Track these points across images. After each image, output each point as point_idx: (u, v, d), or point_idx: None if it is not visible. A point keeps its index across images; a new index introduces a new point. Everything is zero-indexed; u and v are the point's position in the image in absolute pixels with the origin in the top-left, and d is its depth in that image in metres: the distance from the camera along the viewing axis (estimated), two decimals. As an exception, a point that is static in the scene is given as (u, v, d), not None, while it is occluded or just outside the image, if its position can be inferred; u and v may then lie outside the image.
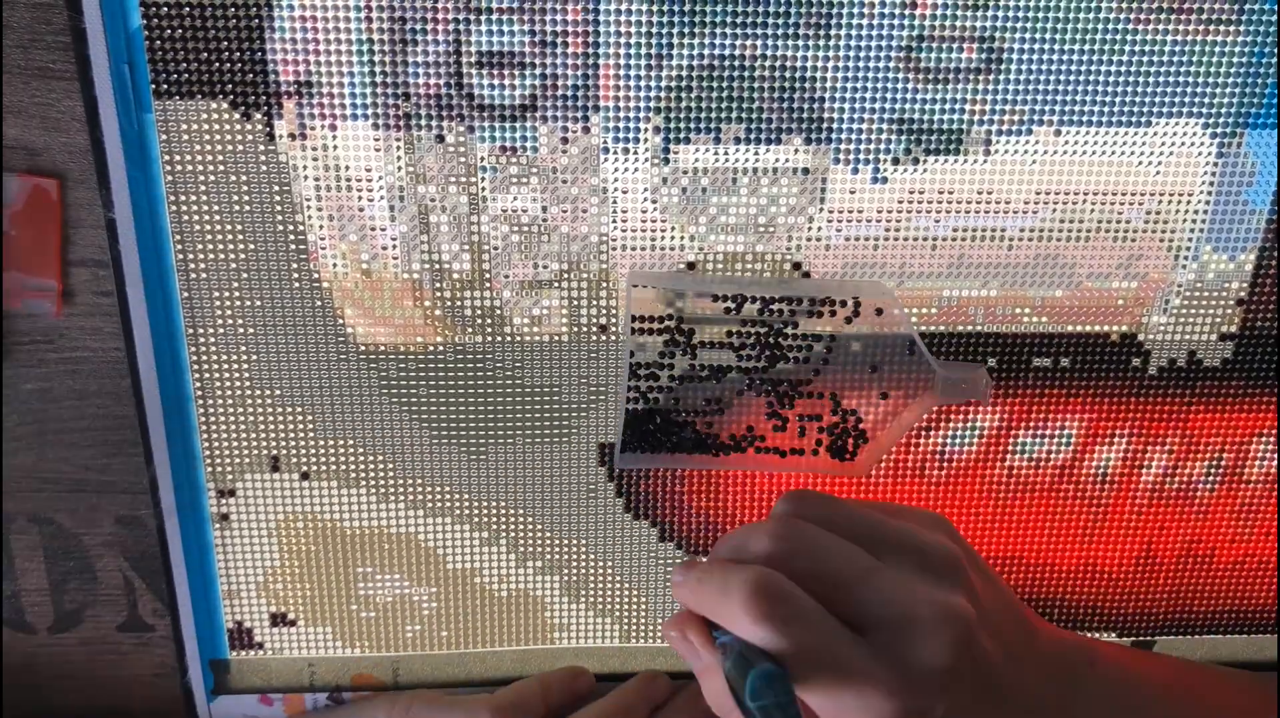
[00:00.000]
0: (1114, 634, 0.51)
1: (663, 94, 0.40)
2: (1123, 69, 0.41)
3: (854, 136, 0.41)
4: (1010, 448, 0.47)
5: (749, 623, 0.30)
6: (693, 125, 0.41)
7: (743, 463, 0.45)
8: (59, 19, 0.39)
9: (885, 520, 0.34)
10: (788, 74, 0.40)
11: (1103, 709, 0.37)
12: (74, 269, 0.42)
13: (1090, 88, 0.41)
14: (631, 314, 0.43)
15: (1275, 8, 0.40)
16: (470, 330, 0.44)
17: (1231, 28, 0.40)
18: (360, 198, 0.41)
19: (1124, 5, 0.40)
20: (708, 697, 0.34)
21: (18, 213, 0.41)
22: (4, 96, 0.40)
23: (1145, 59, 0.40)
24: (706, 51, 0.40)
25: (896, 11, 0.39)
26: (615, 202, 0.42)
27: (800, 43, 0.40)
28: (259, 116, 0.40)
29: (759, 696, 0.29)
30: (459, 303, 0.43)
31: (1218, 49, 0.40)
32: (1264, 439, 0.47)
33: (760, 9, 0.39)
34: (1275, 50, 0.40)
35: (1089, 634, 0.51)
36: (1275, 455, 0.47)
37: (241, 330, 0.43)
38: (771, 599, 0.31)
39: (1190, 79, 0.41)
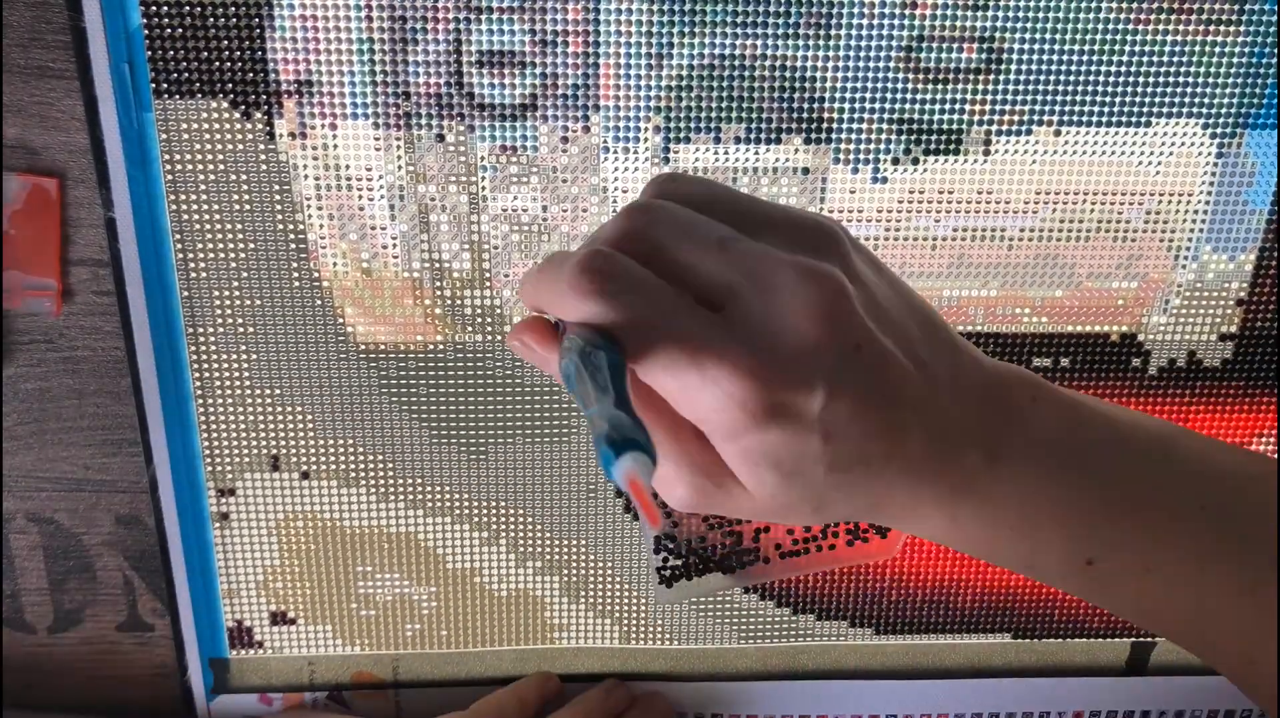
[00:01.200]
0: (1115, 637, 0.51)
1: (663, 94, 0.40)
2: (1122, 69, 0.41)
3: (854, 136, 0.41)
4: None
5: (576, 301, 0.26)
6: (693, 125, 0.41)
7: (788, 569, 0.43)
8: (59, 18, 0.39)
9: (755, 200, 0.29)
10: (788, 74, 0.40)
11: (1061, 442, 0.28)
12: (74, 269, 0.42)
13: (1090, 88, 0.41)
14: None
15: (1275, 8, 0.40)
16: (470, 329, 0.44)
17: (1231, 28, 0.40)
18: (360, 197, 0.41)
19: (1124, 5, 0.40)
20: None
21: (17, 212, 0.41)
22: (4, 96, 0.40)
23: (1145, 59, 0.40)
24: (707, 51, 0.40)
25: (896, 12, 0.39)
26: (615, 201, 0.42)
27: (800, 43, 0.40)
28: (259, 116, 0.40)
29: (579, 360, 0.25)
30: (459, 302, 0.43)
31: (1217, 49, 0.40)
32: (1264, 439, 0.47)
33: (760, 9, 0.39)
34: (1274, 51, 0.40)
35: (1090, 640, 0.51)
36: (1275, 455, 0.47)
37: (241, 329, 0.43)
38: (597, 272, 0.25)
39: (1190, 79, 0.41)
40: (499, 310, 0.43)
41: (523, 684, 0.48)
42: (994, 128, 0.41)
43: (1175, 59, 0.40)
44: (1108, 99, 0.41)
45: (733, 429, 0.25)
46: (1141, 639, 0.51)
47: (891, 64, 0.40)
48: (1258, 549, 0.28)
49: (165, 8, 0.38)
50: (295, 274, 0.42)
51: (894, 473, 0.27)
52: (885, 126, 0.41)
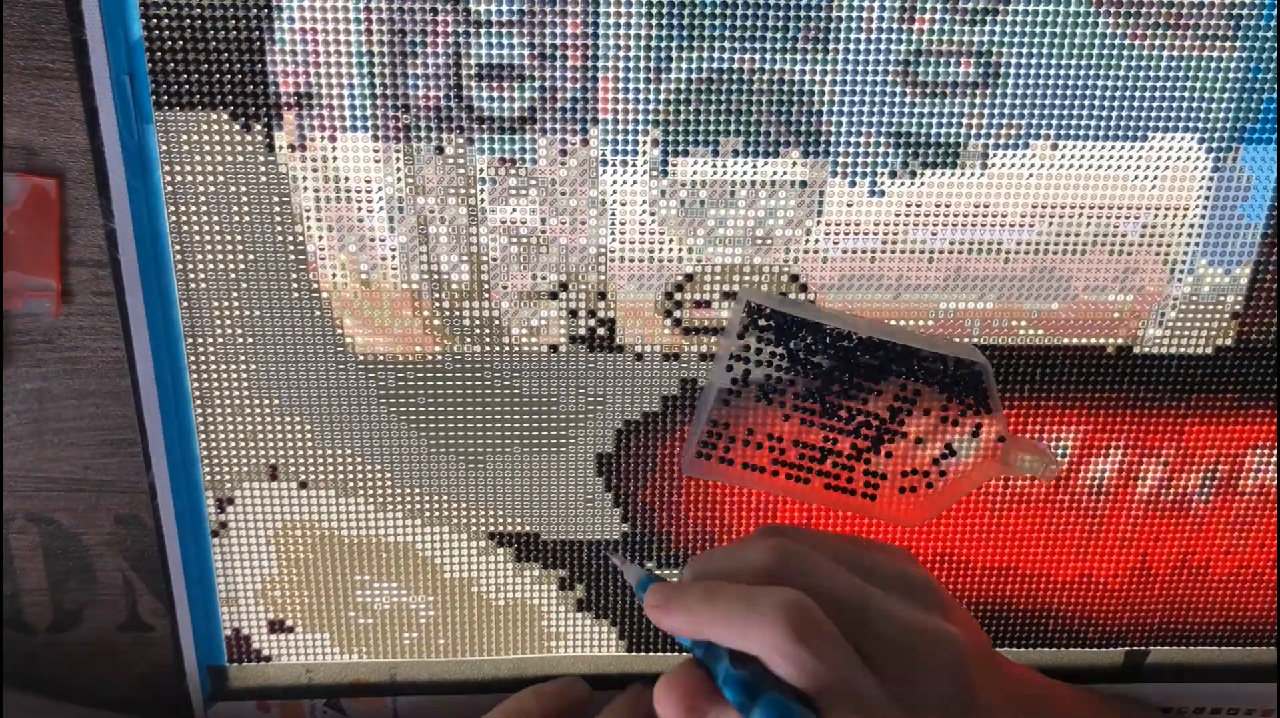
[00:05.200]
0: (1110, 646, 0.51)
1: (661, 107, 0.40)
2: (1119, 84, 0.41)
3: (851, 150, 0.41)
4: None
5: (785, 645, 0.27)
6: (691, 138, 0.41)
7: (808, 495, 0.45)
8: (59, 19, 0.39)
9: (864, 551, 0.33)
10: (786, 88, 0.40)
11: None
12: (73, 269, 0.42)
13: (1087, 102, 0.41)
14: (740, 327, 0.42)
15: (1270, 24, 0.40)
16: (469, 340, 0.44)
17: (1227, 44, 0.40)
18: (359, 209, 0.41)
19: (1120, 21, 0.40)
20: None
21: (17, 213, 0.41)
22: (4, 96, 0.40)
23: (1141, 74, 0.41)
24: (705, 65, 0.40)
25: (894, 26, 0.40)
26: (614, 213, 0.42)
27: (798, 57, 0.40)
28: (259, 128, 0.40)
29: None
30: (458, 313, 0.43)
31: (1213, 65, 0.41)
32: (1259, 451, 0.47)
33: (759, 23, 0.39)
34: (1270, 66, 0.41)
35: (1084, 649, 0.51)
36: (1270, 467, 0.47)
37: (240, 340, 0.43)
38: (809, 621, 0.28)
39: (1186, 94, 0.41)
40: (497, 322, 0.44)
41: (545, 686, 0.47)
42: (991, 142, 0.41)
43: (1171, 74, 0.41)
44: (1104, 114, 0.41)
45: None
46: (1135, 648, 0.51)
47: (889, 78, 0.40)
48: None
49: (166, 20, 0.39)
50: (294, 285, 0.42)
51: None
52: (883, 140, 0.41)
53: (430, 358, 0.44)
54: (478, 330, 0.44)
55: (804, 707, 0.27)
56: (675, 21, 0.39)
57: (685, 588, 0.31)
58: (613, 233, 0.42)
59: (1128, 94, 0.41)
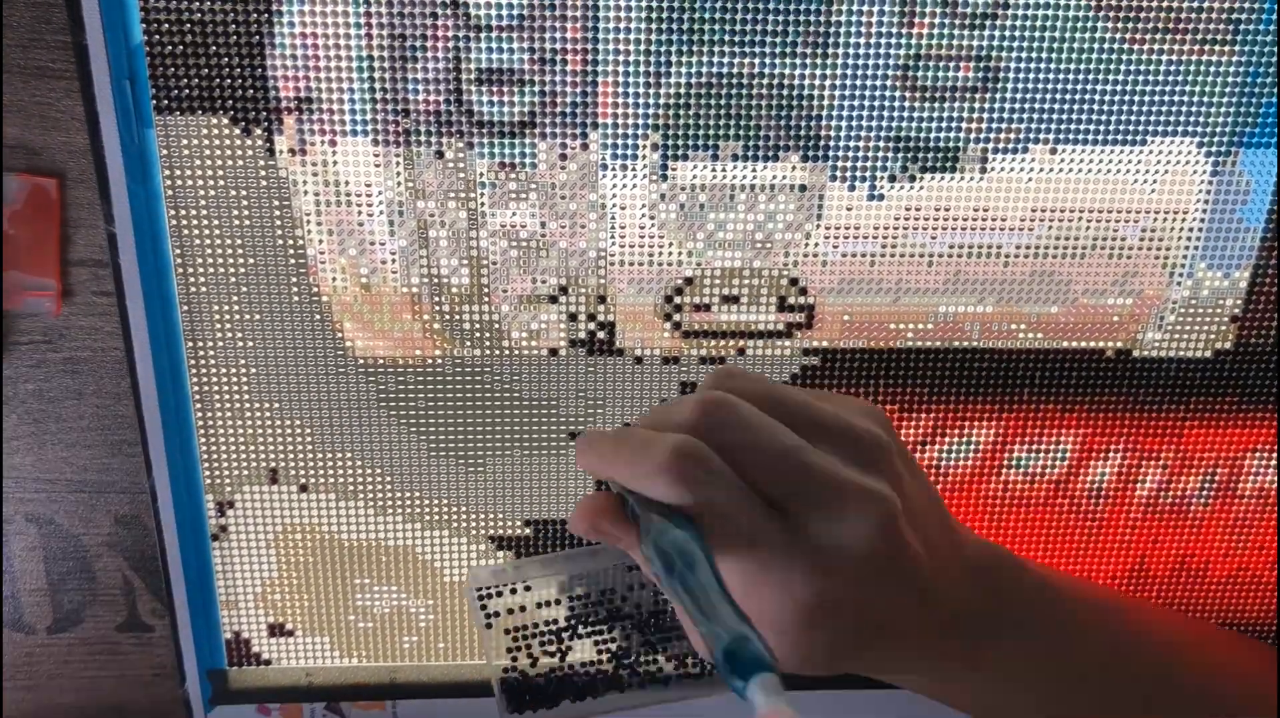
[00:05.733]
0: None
1: (661, 111, 0.40)
2: (1118, 88, 0.41)
3: (851, 154, 0.41)
4: (1006, 462, 0.47)
5: (666, 483, 0.29)
6: (690, 142, 0.41)
7: (630, 701, 0.41)
8: (59, 18, 0.39)
9: (813, 402, 0.32)
10: (785, 92, 0.40)
11: (1031, 620, 0.35)
12: (73, 269, 0.42)
13: (1086, 106, 0.41)
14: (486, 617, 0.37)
15: (1269, 29, 0.40)
16: (469, 344, 0.44)
17: (1226, 48, 0.40)
18: (360, 213, 0.42)
19: (1120, 25, 0.40)
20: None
21: (17, 212, 0.41)
22: (4, 96, 0.40)
23: (1141, 78, 0.41)
24: (704, 69, 0.40)
25: (893, 30, 0.40)
26: (613, 217, 0.42)
27: (798, 61, 0.40)
28: (259, 132, 0.40)
29: (677, 550, 0.27)
30: (458, 317, 0.43)
31: (1213, 69, 0.41)
32: (1258, 454, 0.47)
33: (758, 28, 0.39)
34: (1268, 71, 0.41)
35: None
36: (1268, 470, 0.47)
37: (241, 343, 0.43)
38: (692, 460, 0.29)
39: (1185, 98, 0.41)
40: (497, 325, 0.44)
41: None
42: (990, 145, 0.41)
43: (1170, 78, 0.41)
44: (1103, 118, 0.41)
45: (783, 626, 0.29)
46: (1136, 652, 0.51)
47: (888, 82, 0.40)
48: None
49: (166, 25, 0.39)
50: (294, 289, 0.43)
51: (904, 647, 0.32)
52: (882, 144, 0.41)
53: (430, 361, 0.44)
54: (478, 334, 0.44)
55: (699, 536, 0.28)
56: (675, 26, 0.39)
57: (604, 433, 0.32)
58: (612, 237, 0.42)
59: (1127, 98, 0.41)
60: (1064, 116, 0.41)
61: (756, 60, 0.40)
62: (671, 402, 0.32)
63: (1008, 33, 0.40)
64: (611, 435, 0.31)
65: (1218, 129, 0.42)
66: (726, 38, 0.40)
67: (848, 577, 0.29)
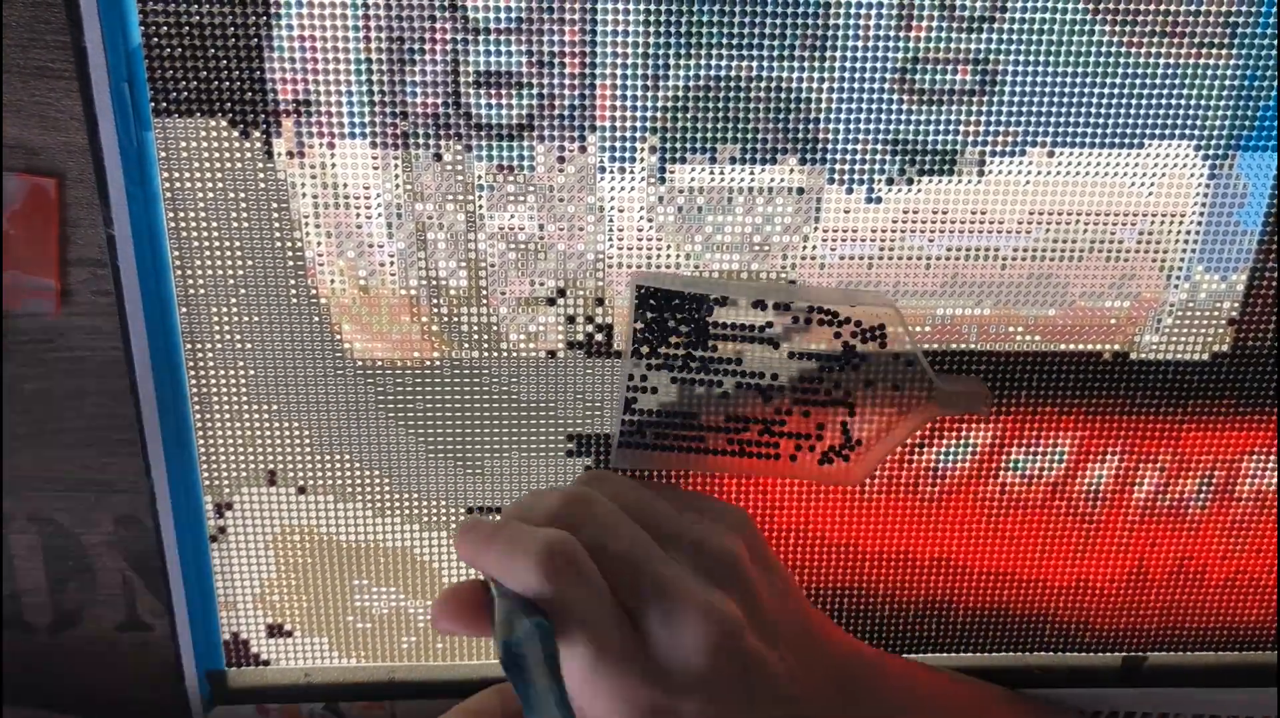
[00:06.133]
0: (1106, 651, 0.51)
1: (659, 114, 0.41)
2: (1116, 91, 0.41)
3: (849, 157, 0.41)
4: (1003, 465, 0.47)
5: (535, 577, 0.30)
6: (689, 145, 0.41)
7: (737, 468, 0.46)
8: (58, 18, 0.39)
9: (673, 514, 0.34)
10: (783, 95, 0.40)
11: None
12: (73, 269, 0.43)
13: (1084, 110, 0.41)
14: (636, 319, 0.43)
15: (1268, 32, 0.40)
16: (467, 346, 0.44)
17: (1224, 51, 0.40)
18: (358, 215, 0.42)
19: (1117, 28, 0.40)
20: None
21: (16, 212, 0.41)
22: (4, 96, 0.40)
23: (1138, 82, 0.41)
24: (703, 72, 0.40)
25: (891, 33, 0.40)
26: (611, 220, 0.42)
27: (796, 64, 0.40)
28: (258, 135, 0.40)
29: (523, 642, 0.29)
30: (456, 319, 0.43)
31: (1210, 72, 0.41)
32: (1256, 457, 0.47)
33: (756, 30, 0.39)
34: (1266, 74, 0.41)
35: (1081, 654, 0.51)
36: (1266, 473, 0.47)
37: (239, 346, 0.43)
38: (562, 556, 0.31)
39: (1182, 102, 0.41)
40: (495, 327, 0.44)
41: (507, 684, 0.48)
42: (988, 149, 0.42)
43: (1168, 82, 0.41)
44: (1101, 121, 0.41)
45: None
46: (1133, 654, 0.51)
47: (886, 85, 0.40)
48: None
49: (165, 27, 0.39)
50: (293, 291, 0.43)
51: None
52: (880, 147, 0.41)
53: (428, 364, 0.44)
54: (476, 336, 0.44)
55: (547, 630, 0.30)
56: (673, 28, 0.39)
57: (481, 524, 0.33)
58: (610, 239, 0.42)
59: (1124, 101, 0.41)
60: (1062, 120, 0.41)
61: (754, 63, 0.40)
62: (539, 492, 0.34)
63: (1006, 36, 0.40)
64: (489, 524, 0.33)
65: (1215, 132, 0.42)
66: (725, 41, 0.40)
67: (689, 689, 0.31)
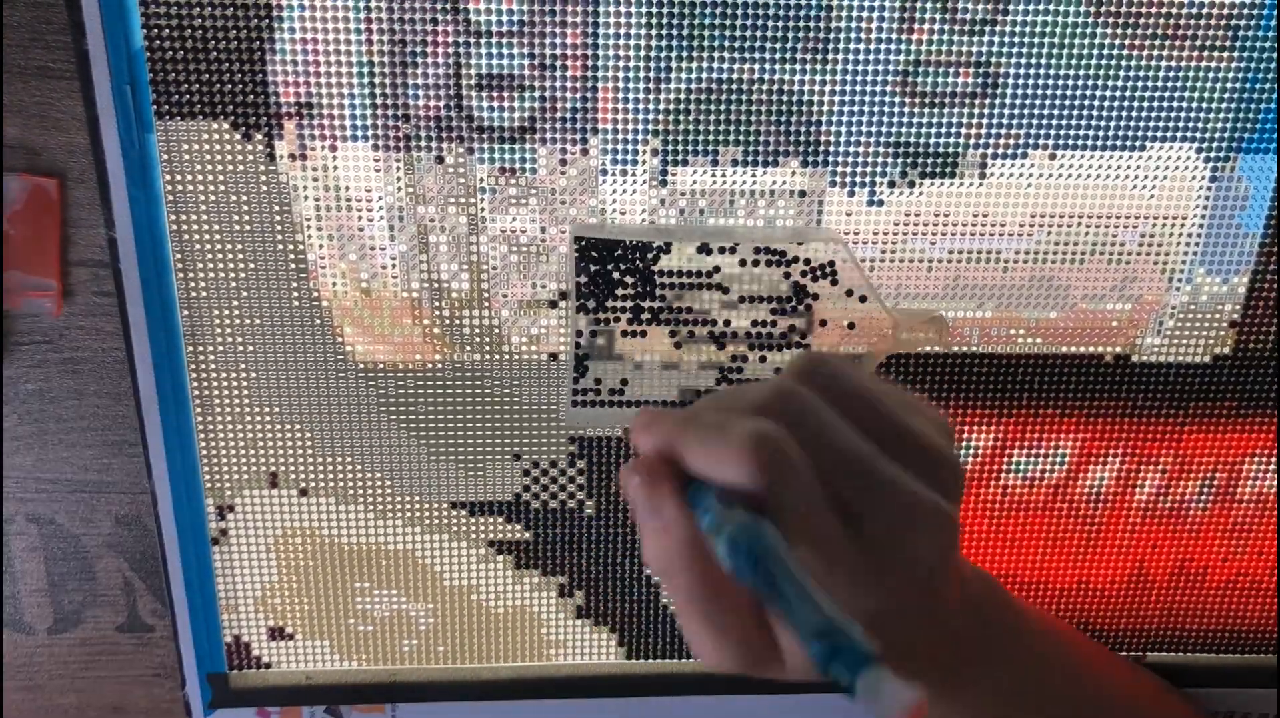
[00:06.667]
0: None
1: (661, 117, 0.41)
2: (1117, 94, 0.41)
3: (850, 159, 0.41)
4: (1005, 467, 0.47)
5: (742, 468, 0.27)
6: (690, 148, 0.41)
7: None
8: (59, 18, 0.39)
9: (896, 413, 0.30)
10: (785, 98, 0.40)
11: (1008, 655, 0.36)
12: (74, 269, 0.43)
13: (1085, 112, 0.41)
14: (579, 272, 0.42)
15: (1269, 35, 0.40)
16: (469, 348, 0.44)
17: (1225, 54, 0.40)
18: (360, 218, 0.42)
19: (1119, 31, 0.40)
20: (650, 557, 0.29)
21: (17, 212, 0.41)
22: (4, 96, 0.40)
23: (1140, 84, 0.41)
24: (704, 75, 0.40)
25: (893, 36, 0.40)
26: (613, 222, 0.42)
27: (797, 67, 0.40)
28: (260, 137, 0.40)
29: (748, 550, 0.26)
30: (458, 321, 0.43)
31: (1211, 75, 0.41)
32: (1256, 459, 0.47)
33: (758, 33, 0.39)
34: (1267, 76, 0.41)
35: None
36: (1267, 475, 0.47)
37: (241, 348, 0.43)
38: (773, 447, 0.27)
39: (1184, 104, 0.41)
40: (497, 330, 0.44)
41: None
42: (990, 151, 0.42)
43: (1169, 84, 0.41)
44: (1103, 123, 0.41)
45: None
46: (1134, 654, 0.51)
47: (888, 88, 0.40)
48: None
49: (167, 30, 0.39)
50: (295, 294, 0.43)
51: (907, 665, 0.29)
52: (881, 150, 0.41)
53: (430, 366, 0.44)
54: (477, 339, 0.44)
55: (766, 524, 0.27)
56: (675, 31, 0.39)
57: (669, 411, 0.30)
58: (612, 242, 0.42)
59: (1126, 104, 0.41)
60: (1063, 122, 0.41)
61: (756, 66, 0.40)
62: (744, 386, 0.30)
63: (1007, 38, 0.40)
64: (680, 413, 0.29)
65: (1216, 134, 0.42)
66: (726, 43, 0.40)
67: (901, 594, 0.29)
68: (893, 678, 0.23)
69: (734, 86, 0.40)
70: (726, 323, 0.43)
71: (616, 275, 0.42)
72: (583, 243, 0.41)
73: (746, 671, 0.29)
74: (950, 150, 0.41)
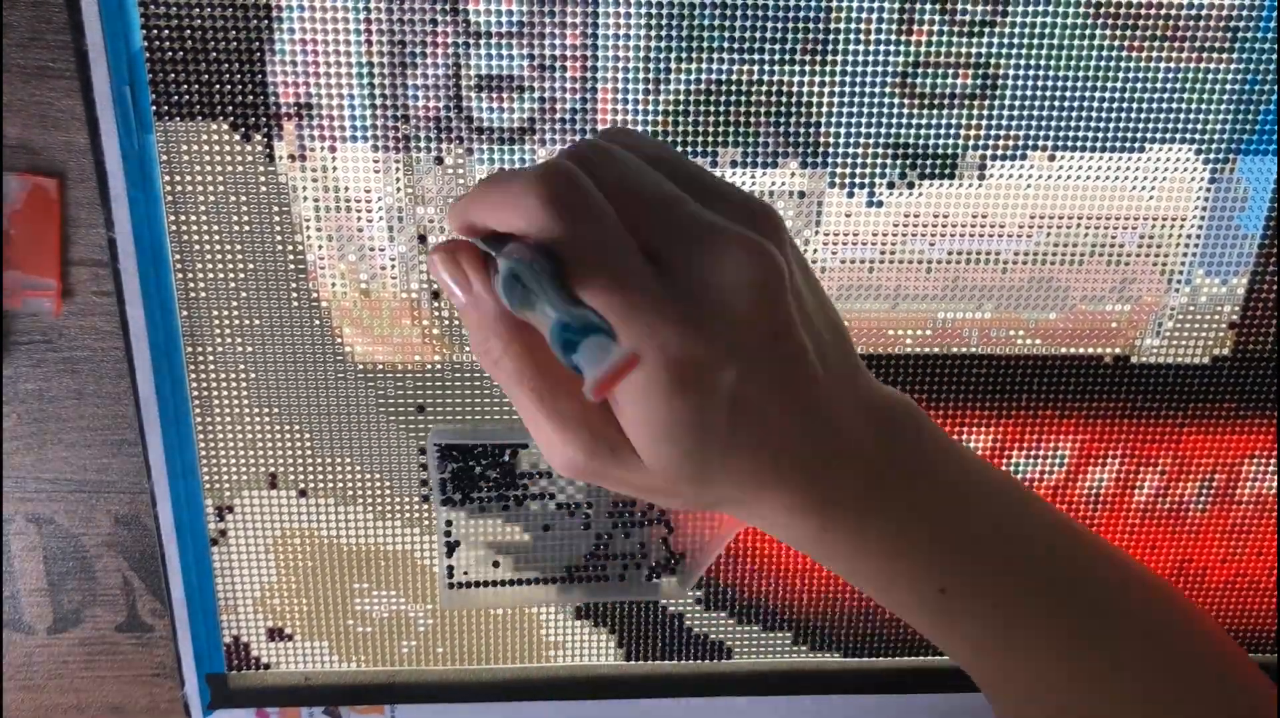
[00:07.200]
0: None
1: (660, 117, 0.41)
2: (1117, 95, 0.41)
3: (850, 161, 0.41)
4: (1004, 468, 0.47)
5: (532, 208, 0.25)
6: (690, 149, 0.41)
7: (574, 594, 0.47)
8: (59, 18, 0.39)
9: (706, 171, 0.28)
10: (784, 99, 0.40)
11: (928, 476, 0.29)
12: (74, 269, 0.43)
13: (1084, 113, 0.41)
14: (441, 470, 0.45)
15: (1268, 37, 0.40)
16: (468, 349, 0.44)
17: (1224, 56, 0.40)
18: (359, 218, 0.42)
19: (1118, 33, 0.40)
20: (473, 345, 0.27)
21: (17, 212, 0.41)
22: (4, 96, 0.40)
23: (1139, 86, 0.41)
24: (704, 76, 0.40)
25: (892, 37, 0.40)
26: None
27: (797, 68, 0.40)
28: (259, 138, 0.40)
29: (515, 279, 0.24)
30: (456, 322, 0.43)
31: (1211, 76, 0.41)
32: (1255, 460, 0.47)
33: (757, 35, 0.39)
34: (1266, 78, 0.41)
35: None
36: (1265, 476, 0.47)
37: (240, 349, 0.43)
38: (564, 183, 0.25)
39: (1183, 106, 0.41)
40: (496, 331, 0.44)
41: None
42: (989, 153, 0.42)
43: (1169, 86, 0.41)
44: (1102, 125, 0.41)
45: (645, 389, 0.25)
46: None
47: (887, 89, 0.40)
48: (1093, 617, 0.30)
49: (166, 31, 0.39)
50: (294, 294, 0.43)
51: (781, 469, 0.27)
52: (881, 151, 0.41)
53: (429, 367, 0.44)
54: (477, 339, 0.44)
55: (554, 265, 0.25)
56: (674, 32, 0.39)
57: (472, 189, 0.28)
58: (612, 243, 0.42)
59: (1125, 105, 0.41)
60: (1062, 123, 0.41)
61: (755, 67, 0.40)
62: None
63: (1006, 40, 0.40)
64: (480, 184, 0.27)
65: (1216, 136, 0.42)
66: (726, 44, 0.40)
67: (723, 336, 0.25)
68: (612, 344, 0.22)
69: (733, 87, 0.40)
70: (589, 503, 0.46)
71: (479, 471, 0.45)
72: (440, 447, 0.44)
73: (598, 472, 0.27)
74: (949, 151, 0.41)
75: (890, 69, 0.40)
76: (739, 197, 0.27)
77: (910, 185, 0.42)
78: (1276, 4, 0.40)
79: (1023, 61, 0.40)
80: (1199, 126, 0.41)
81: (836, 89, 0.40)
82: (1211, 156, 0.42)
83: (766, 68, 0.40)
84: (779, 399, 0.26)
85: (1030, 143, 0.41)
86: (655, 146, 0.28)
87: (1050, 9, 0.39)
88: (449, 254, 0.27)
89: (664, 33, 0.39)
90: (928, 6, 0.39)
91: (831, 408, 0.27)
